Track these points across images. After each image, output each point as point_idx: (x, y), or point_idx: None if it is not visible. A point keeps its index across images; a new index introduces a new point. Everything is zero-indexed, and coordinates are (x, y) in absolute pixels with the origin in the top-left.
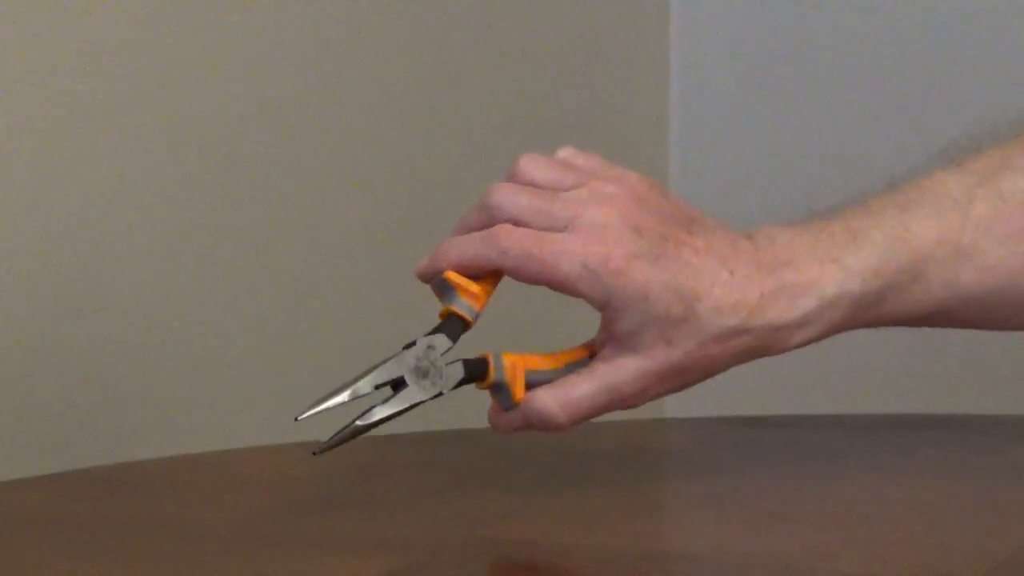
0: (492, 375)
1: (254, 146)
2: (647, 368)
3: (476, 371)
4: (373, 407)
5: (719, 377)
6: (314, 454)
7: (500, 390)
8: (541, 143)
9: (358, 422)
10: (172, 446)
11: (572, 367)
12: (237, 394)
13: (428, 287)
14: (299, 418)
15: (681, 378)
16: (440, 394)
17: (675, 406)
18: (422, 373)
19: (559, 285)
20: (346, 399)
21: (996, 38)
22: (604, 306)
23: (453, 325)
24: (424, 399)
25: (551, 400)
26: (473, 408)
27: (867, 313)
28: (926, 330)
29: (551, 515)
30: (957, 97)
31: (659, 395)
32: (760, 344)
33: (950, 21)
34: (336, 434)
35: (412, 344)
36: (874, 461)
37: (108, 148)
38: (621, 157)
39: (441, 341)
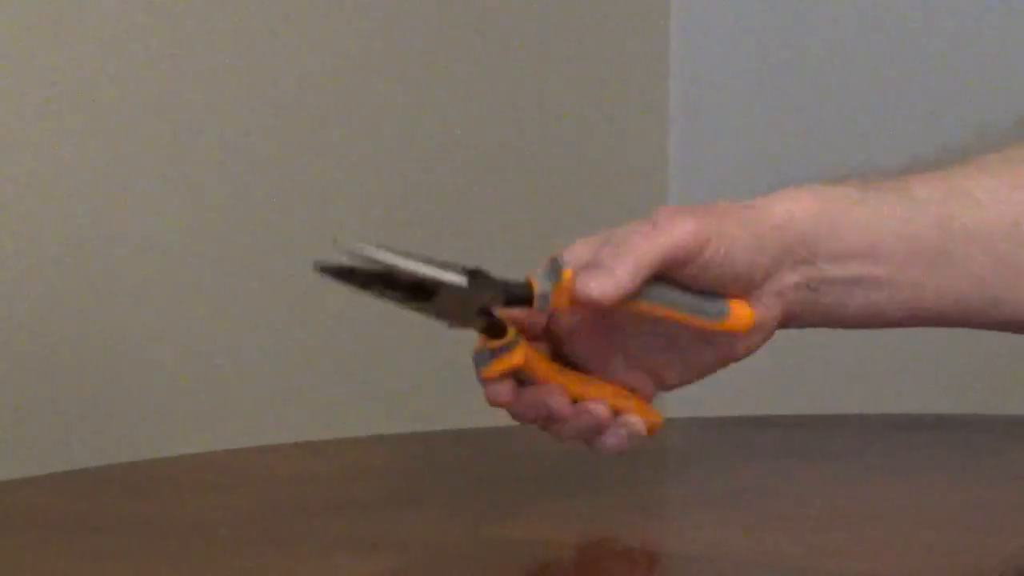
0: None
1: (255, 148)
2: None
3: (518, 293)
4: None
5: (719, 377)
6: (319, 269)
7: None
8: (542, 143)
9: (379, 255)
10: (173, 446)
11: None
12: (239, 394)
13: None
14: (326, 264)
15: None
16: (467, 292)
17: (675, 406)
18: (461, 299)
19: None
20: (377, 268)
21: (1000, 38)
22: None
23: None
24: (451, 281)
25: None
26: (473, 408)
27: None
28: (926, 330)
29: (551, 515)
30: (958, 94)
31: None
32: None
33: (951, 20)
34: (351, 263)
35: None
36: (874, 461)
37: (110, 148)
38: (621, 157)
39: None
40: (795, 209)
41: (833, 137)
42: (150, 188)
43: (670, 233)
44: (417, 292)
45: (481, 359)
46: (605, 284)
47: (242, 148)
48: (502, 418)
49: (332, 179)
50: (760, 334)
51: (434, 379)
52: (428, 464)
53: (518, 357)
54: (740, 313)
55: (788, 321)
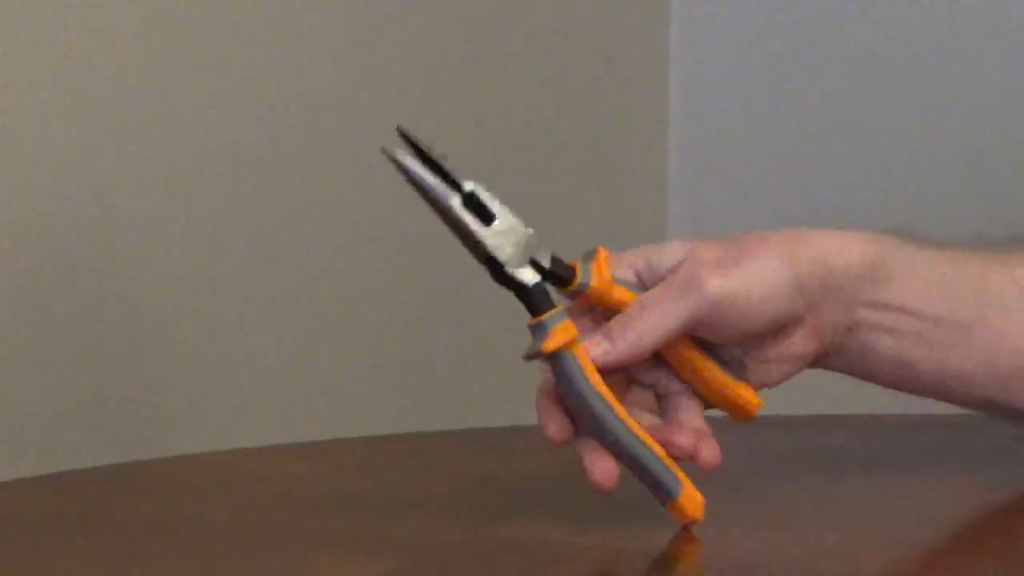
0: (578, 278)
1: (258, 145)
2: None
3: (561, 272)
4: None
5: None
6: (399, 130)
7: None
8: (541, 143)
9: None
10: (173, 446)
11: None
12: (239, 394)
13: (429, 291)
14: (387, 150)
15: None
16: (527, 233)
17: None
18: (515, 241)
19: None
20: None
21: (1001, 38)
22: None
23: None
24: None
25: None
26: (473, 407)
27: None
28: None
29: (551, 515)
30: (960, 96)
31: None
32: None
33: (953, 21)
34: (409, 162)
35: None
36: (876, 461)
37: (113, 145)
38: (621, 157)
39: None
40: (847, 249)
41: (833, 137)
42: (155, 187)
43: (687, 302)
44: (477, 209)
45: (540, 332)
46: (608, 352)
47: (247, 147)
48: (502, 418)
49: (331, 181)
50: (795, 365)
51: (434, 379)
52: (428, 464)
53: (574, 329)
54: (750, 396)
55: (819, 360)
